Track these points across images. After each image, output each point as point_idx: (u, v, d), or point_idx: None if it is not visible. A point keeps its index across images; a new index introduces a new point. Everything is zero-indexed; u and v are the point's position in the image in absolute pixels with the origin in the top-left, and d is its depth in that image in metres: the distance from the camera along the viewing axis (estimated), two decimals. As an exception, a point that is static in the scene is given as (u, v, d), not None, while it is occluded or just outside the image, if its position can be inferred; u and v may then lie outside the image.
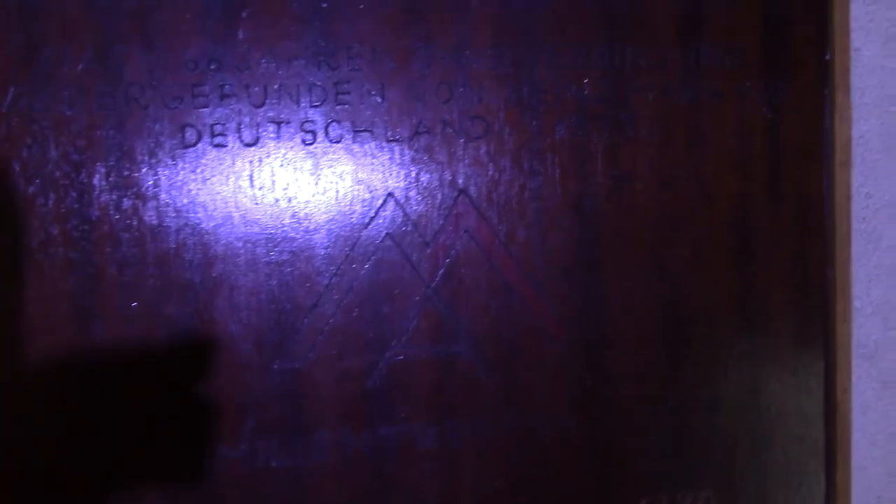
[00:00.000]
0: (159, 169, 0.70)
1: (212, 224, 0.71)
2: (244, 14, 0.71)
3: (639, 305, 0.80)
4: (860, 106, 0.88)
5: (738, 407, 0.84)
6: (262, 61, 0.71)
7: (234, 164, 0.71)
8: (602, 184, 0.79)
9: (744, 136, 0.82)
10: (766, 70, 0.82)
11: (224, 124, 0.71)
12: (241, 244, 0.72)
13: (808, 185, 0.84)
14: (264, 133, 0.72)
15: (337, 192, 0.73)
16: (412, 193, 0.75)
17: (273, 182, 0.72)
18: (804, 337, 0.85)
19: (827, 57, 0.84)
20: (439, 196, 0.75)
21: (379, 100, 0.74)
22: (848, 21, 0.85)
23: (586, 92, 0.78)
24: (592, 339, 0.80)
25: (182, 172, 0.70)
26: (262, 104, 0.72)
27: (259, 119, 0.72)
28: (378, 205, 0.74)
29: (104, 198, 0.69)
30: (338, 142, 0.73)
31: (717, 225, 0.82)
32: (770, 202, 0.83)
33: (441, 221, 0.75)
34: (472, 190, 0.76)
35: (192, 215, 0.71)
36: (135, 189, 0.70)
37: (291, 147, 0.73)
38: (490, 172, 0.76)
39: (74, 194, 0.69)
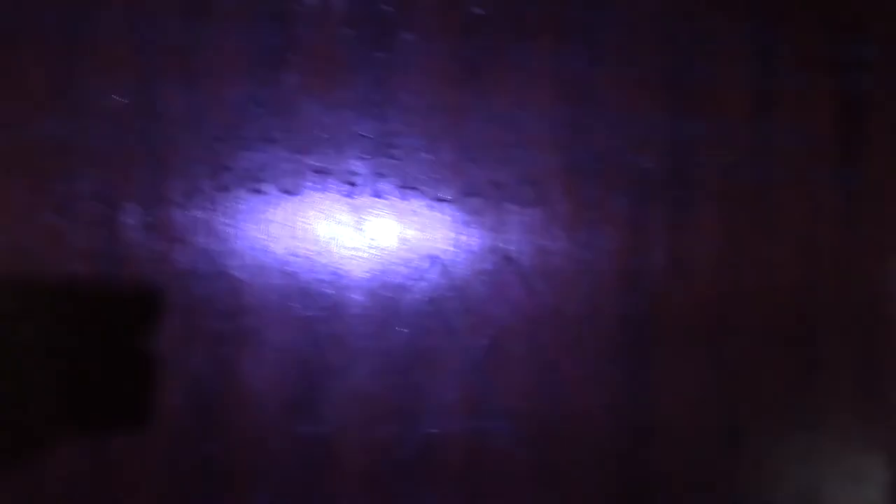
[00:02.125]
0: (195, 212, 0.66)
1: (245, 273, 0.67)
2: (291, 58, 0.68)
3: (691, 395, 0.75)
4: (938, 197, 0.83)
5: (792, 514, 0.78)
6: (308, 107, 0.68)
7: (272, 211, 0.68)
8: (659, 262, 0.74)
9: (813, 222, 0.77)
10: (840, 153, 0.78)
11: (264, 170, 0.68)
12: (274, 296, 0.68)
13: (881, 281, 0.79)
14: (305, 182, 0.68)
15: (379, 249, 0.69)
16: (458, 258, 0.70)
17: (312, 234, 0.68)
18: (869, 442, 0.79)
19: (906, 144, 0.80)
20: (487, 263, 0.71)
21: (429, 156, 0.70)
22: (929, 107, 0.80)
23: (647, 164, 0.74)
24: (638, 428, 0.74)
25: (217, 217, 0.67)
26: (306, 151, 0.68)
27: (301, 167, 0.68)
28: (422, 267, 0.70)
29: (133, 236, 0.66)
30: (383, 197, 0.69)
31: (780, 315, 0.76)
32: (838, 294, 0.78)
33: (487, 290, 0.71)
34: (522, 259, 0.71)
35: (225, 262, 0.67)
36: (168, 233, 0.66)
37: (334, 199, 0.69)
38: (541, 241, 0.72)
39: (106, 231, 0.65)
